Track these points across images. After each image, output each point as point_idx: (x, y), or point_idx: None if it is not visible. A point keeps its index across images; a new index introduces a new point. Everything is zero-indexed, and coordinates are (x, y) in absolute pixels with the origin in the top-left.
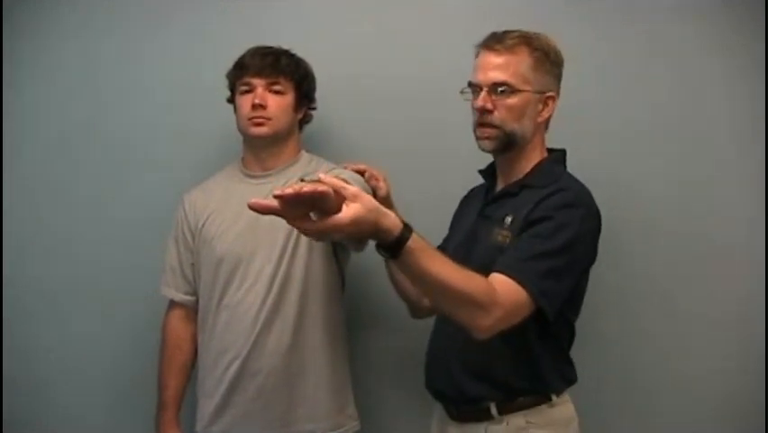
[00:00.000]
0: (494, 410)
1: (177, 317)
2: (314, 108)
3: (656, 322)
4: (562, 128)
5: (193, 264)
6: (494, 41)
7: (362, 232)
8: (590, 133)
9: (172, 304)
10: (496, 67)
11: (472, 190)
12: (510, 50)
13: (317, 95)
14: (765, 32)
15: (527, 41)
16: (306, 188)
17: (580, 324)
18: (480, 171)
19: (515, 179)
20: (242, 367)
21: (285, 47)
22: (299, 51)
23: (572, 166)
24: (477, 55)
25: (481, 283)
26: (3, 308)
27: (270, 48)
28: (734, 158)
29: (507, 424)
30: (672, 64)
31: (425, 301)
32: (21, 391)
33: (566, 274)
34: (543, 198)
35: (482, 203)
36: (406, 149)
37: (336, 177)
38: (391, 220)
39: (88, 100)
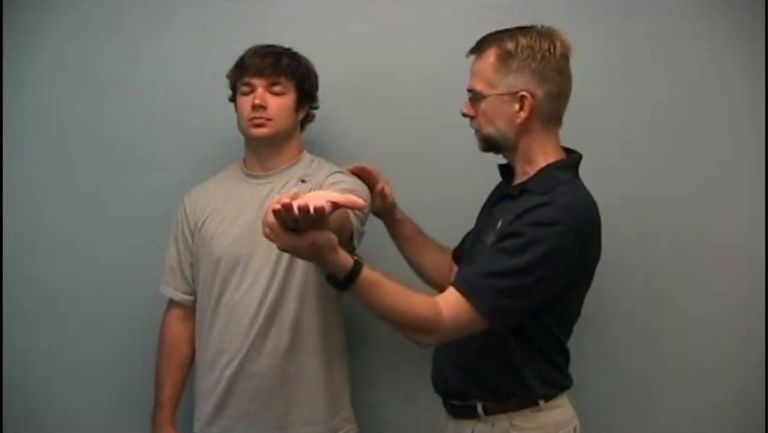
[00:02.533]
0: (480, 410)
1: (176, 316)
2: (316, 107)
3: (656, 322)
4: (560, 128)
5: (192, 264)
6: (473, 47)
7: (317, 260)
8: (590, 133)
9: (171, 303)
10: (472, 74)
11: (499, 185)
12: (480, 54)
13: (320, 94)
14: (765, 32)
15: (497, 41)
16: (299, 202)
17: (580, 323)
18: (500, 166)
19: (520, 180)
20: (240, 368)
21: (286, 46)
22: (301, 51)
23: None
24: None
25: (425, 309)
26: (3, 308)
27: (271, 47)
28: (734, 158)
29: (493, 425)
30: (672, 64)
31: (431, 276)
32: (21, 391)
33: (528, 292)
34: (523, 211)
35: (493, 202)
36: (408, 149)
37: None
38: (341, 260)
39: (88, 100)
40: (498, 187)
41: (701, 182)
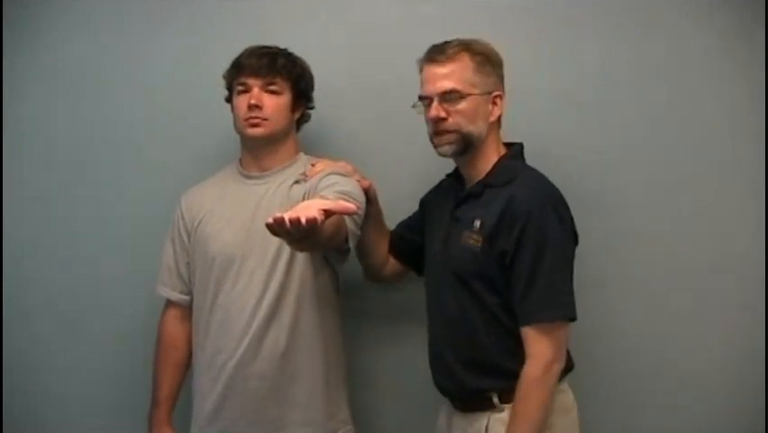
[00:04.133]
0: (496, 400)
1: (172, 316)
2: (311, 107)
3: (655, 323)
4: (561, 128)
5: (188, 264)
6: (436, 53)
7: None
8: (590, 133)
9: (168, 303)
10: (443, 77)
11: (440, 187)
12: (452, 58)
13: (316, 94)
14: (765, 32)
15: (467, 47)
16: (291, 216)
17: (581, 323)
18: (448, 175)
19: (477, 179)
20: (237, 369)
21: (284, 46)
22: (298, 51)
23: (571, 166)
24: (421, 70)
25: (534, 381)
26: (3, 308)
27: (267, 47)
28: (734, 158)
29: (508, 412)
30: (672, 64)
31: (386, 270)
32: (21, 391)
33: (569, 272)
34: (502, 212)
35: (452, 205)
36: (406, 149)
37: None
38: None
39: (88, 100)
40: (440, 187)
41: (701, 182)
